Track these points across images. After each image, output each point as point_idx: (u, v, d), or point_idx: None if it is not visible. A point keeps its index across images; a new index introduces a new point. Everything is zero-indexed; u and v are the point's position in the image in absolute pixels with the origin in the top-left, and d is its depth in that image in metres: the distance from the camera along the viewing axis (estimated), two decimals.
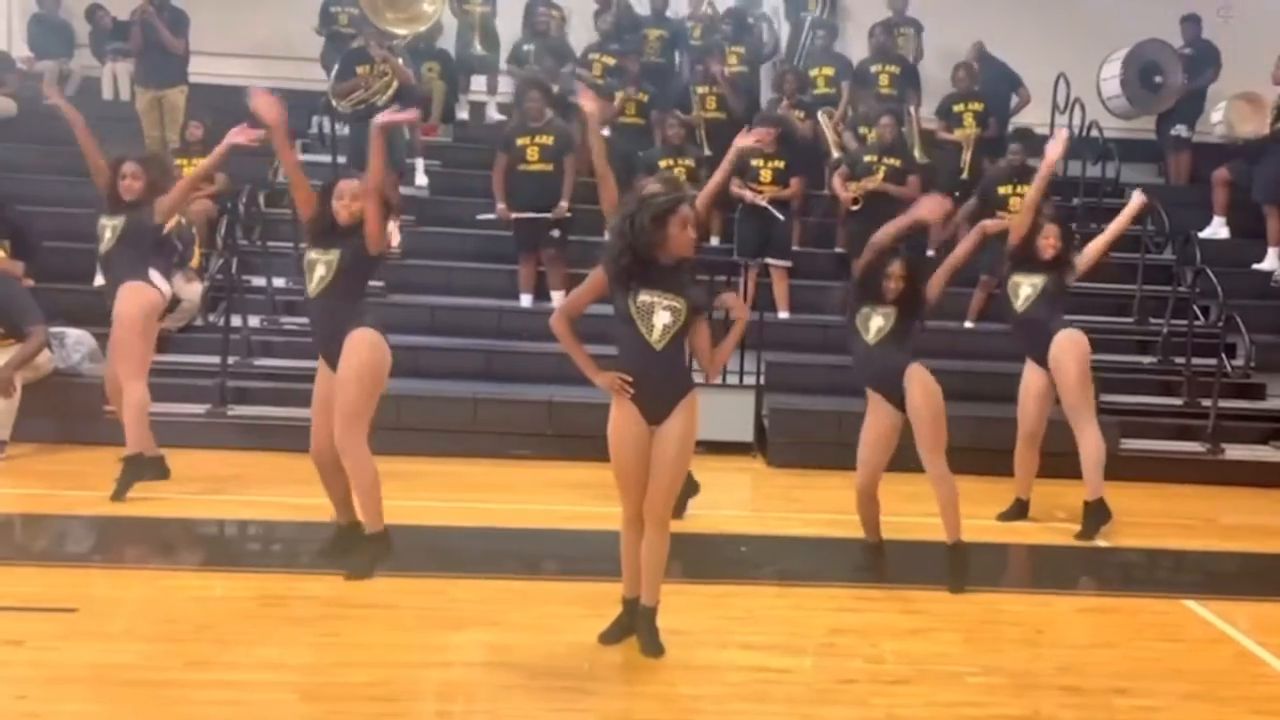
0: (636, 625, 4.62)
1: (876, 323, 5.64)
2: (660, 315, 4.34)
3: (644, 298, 4.33)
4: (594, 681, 4.35)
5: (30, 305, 7.85)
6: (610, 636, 4.65)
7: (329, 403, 5.31)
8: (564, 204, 9.44)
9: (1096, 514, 6.80)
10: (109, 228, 6.73)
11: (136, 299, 6.69)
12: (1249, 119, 11.13)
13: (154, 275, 7.08)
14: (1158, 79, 11.57)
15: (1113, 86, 11.78)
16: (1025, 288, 6.73)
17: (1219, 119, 11.58)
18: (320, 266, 5.30)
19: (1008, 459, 7.09)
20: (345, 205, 5.30)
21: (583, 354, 4.55)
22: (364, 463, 5.29)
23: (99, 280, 7.08)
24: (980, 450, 7.23)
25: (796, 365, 9.12)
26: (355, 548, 5.50)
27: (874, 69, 11.43)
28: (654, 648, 4.55)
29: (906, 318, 5.64)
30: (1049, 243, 6.61)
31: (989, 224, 7.35)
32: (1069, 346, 6.68)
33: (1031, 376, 6.87)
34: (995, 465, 7.18)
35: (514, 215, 9.50)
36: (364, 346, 5.26)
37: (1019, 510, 7.11)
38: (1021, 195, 9.57)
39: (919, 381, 5.59)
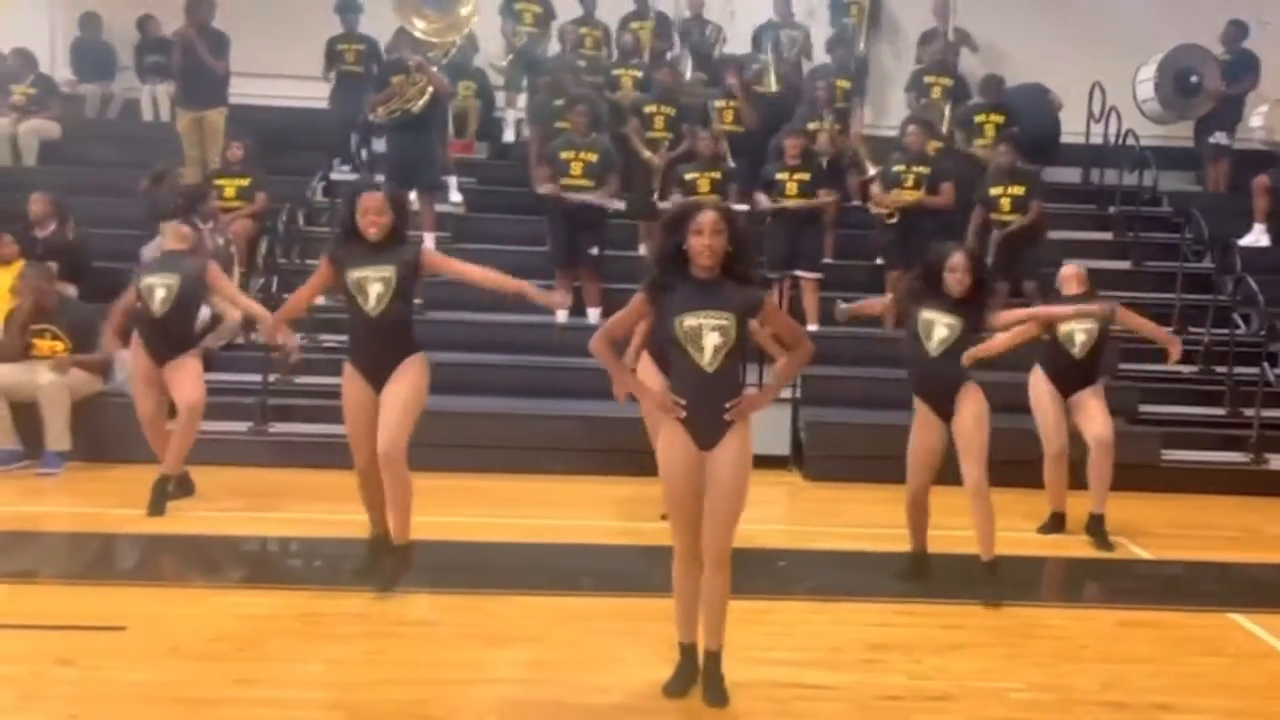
0: (703, 672, 4.37)
1: (940, 333, 5.57)
2: (710, 337, 4.12)
3: (690, 322, 4.12)
4: (635, 698, 4.35)
5: (95, 330, 8.09)
6: (675, 688, 4.37)
7: (372, 416, 5.33)
8: (616, 202, 9.57)
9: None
10: (161, 287, 6.75)
11: (198, 383, 6.91)
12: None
13: (204, 313, 7.25)
14: (1194, 81, 11.49)
15: (1146, 89, 11.72)
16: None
17: (1259, 124, 11.49)
18: (377, 284, 5.26)
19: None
20: (371, 221, 5.27)
21: (625, 373, 4.53)
22: (407, 478, 5.38)
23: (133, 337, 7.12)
24: (1018, 463, 7.17)
25: (833, 378, 9.10)
26: (384, 559, 5.56)
27: (927, 79, 11.45)
28: (718, 697, 4.29)
29: (970, 328, 5.59)
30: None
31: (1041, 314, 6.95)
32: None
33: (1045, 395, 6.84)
34: (1033, 478, 7.11)
35: (565, 194, 9.53)
36: (419, 367, 5.37)
37: (1056, 524, 7.07)
38: (1012, 196, 9.58)
39: (974, 400, 5.59)
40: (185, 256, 6.82)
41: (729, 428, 4.19)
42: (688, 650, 4.41)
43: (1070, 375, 6.82)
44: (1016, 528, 6.84)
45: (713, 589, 4.27)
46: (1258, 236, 11.08)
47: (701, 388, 4.17)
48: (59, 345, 8.14)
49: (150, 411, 6.95)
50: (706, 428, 4.18)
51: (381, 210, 5.28)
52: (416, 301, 5.98)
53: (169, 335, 6.80)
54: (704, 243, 4.09)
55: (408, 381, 5.32)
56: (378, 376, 5.33)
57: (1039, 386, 6.89)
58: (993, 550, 5.69)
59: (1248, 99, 11.88)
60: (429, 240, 9.55)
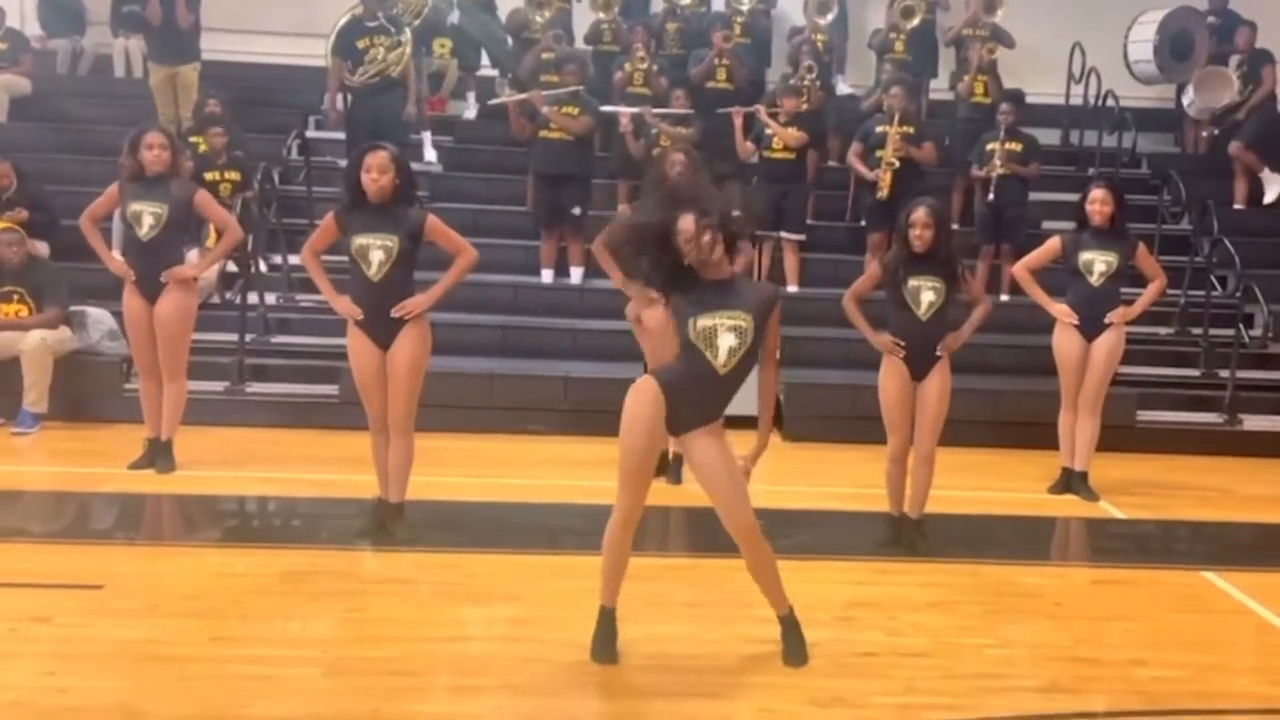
0: (783, 635, 4.35)
1: (928, 297, 5.62)
2: (725, 338, 4.01)
3: (704, 322, 3.99)
4: None
5: (60, 288, 8.04)
6: (606, 652, 4.30)
7: (378, 371, 5.47)
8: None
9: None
10: (148, 214, 6.56)
11: (181, 305, 6.68)
12: (1221, 87, 11.14)
13: (191, 256, 7.10)
14: (1192, 44, 11.48)
15: (1143, 51, 11.65)
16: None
17: (1191, 100, 11.53)
18: (379, 252, 5.35)
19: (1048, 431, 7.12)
20: (374, 180, 5.30)
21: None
22: (412, 446, 5.62)
23: (116, 252, 7.01)
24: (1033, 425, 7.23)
25: (812, 339, 9.11)
26: (388, 520, 5.68)
27: (891, 35, 11.38)
28: (798, 656, 4.30)
29: (952, 289, 5.65)
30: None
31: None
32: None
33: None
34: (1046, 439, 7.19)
35: (544, 95, 9.59)
36: (421, 331, 5.52)
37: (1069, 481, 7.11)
38: (1010, 151, 9.58)
39: (944, 373, 5.68)
40: (171, 181, 6.68)
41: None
42: (610, 614, 4.34)
43: (1091, 304, 6.80)
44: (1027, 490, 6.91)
45: (757, 563, 4.25)
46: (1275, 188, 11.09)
47: (711, 390, 4.08)
48: (24, 309, 8.05)
49: (149, 361, 6.75)
50: (687, 423, 4.12)
51: (385, 168, 5.31)
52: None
53: (160, 260, 6.63)
54: (693, 251, 3.92)
55: (411, 348, 5.47)
56: (381, 335, 5.44)
57: (1060, 337, 6.88)
58: (922, 510, 5.82)
59: (1230, 61, 11.88)
60: None
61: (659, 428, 4.10)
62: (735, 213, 4.03)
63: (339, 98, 9.93)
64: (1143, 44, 11.66)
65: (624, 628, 4.42)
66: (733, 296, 4.05)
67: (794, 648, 4.33)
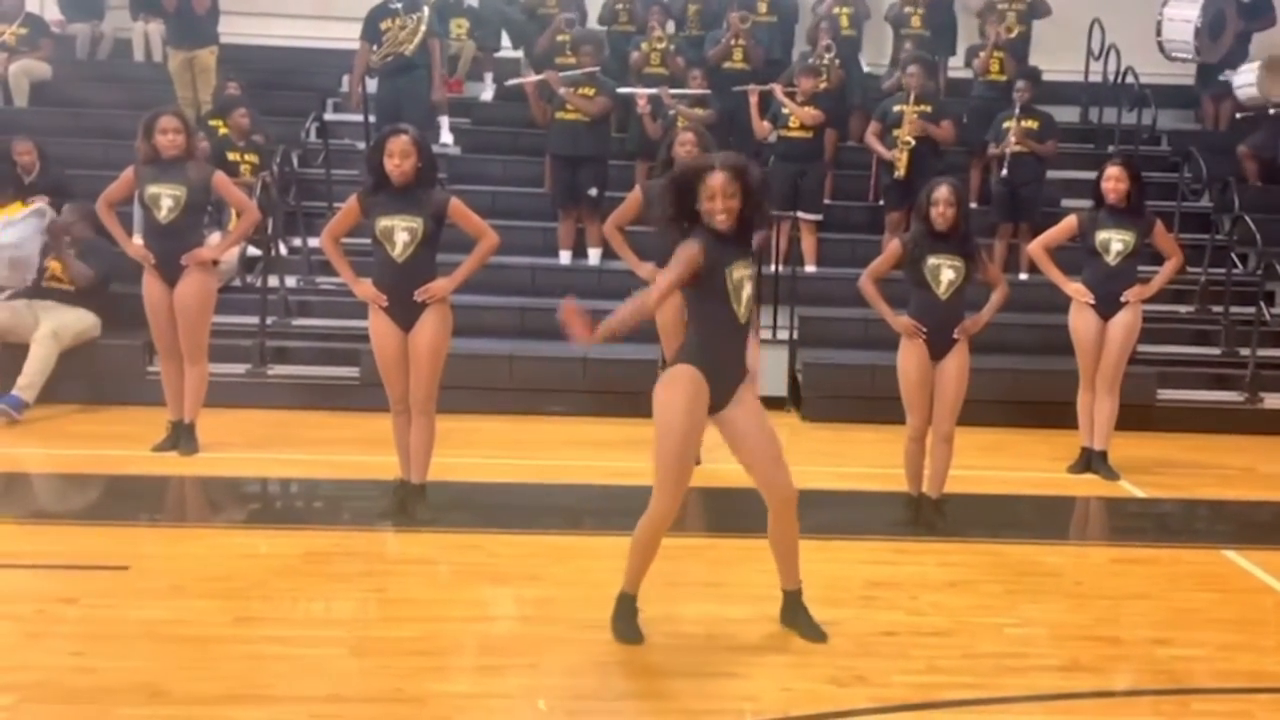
0: (792, 612, 4.42)
1: (948, 276, 5.61)
2: (747, 288, 4.08)
3: (737, 274, 4.03)
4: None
5: (103, 262, 8.10)
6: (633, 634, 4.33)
7: (400, 352, 5.52)
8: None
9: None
10: (167, 196, 6.55)
11: (201, 287, 6.69)
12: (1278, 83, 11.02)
13: (213, 238, 7.10)
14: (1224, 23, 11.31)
15: (1180, 30, 11.47)
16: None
17: (1244, 81, 11.37)
18: (404, 233, 5.38)
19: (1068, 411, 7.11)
20: (397, 165, 5.31)
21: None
22: (434, 427, 5.68)
23: (138, 239, 7.02)
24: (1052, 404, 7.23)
25: (830, 320, 9.10)
26: (409, 501, 5.72)
27: (906, 9, 11.29)
28: (814, 633, 4.36)
29: (971, 268, 5.65)
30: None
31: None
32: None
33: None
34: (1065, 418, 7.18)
35: (561, 75, 9.60)
36: (443, 314, 5.55)
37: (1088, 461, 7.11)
38: (1026, 128, 9.53)
39: (963, 353, 5.68)
40: (188, 164, 6.69)
41: (738, 387, 4.16)
42: (631, 600, 4.35)
43: (1108, 283, 6.76)
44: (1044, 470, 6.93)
45: (785, 532, 4.34)
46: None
47: (733, 343, 4.13)
48: (64, 281, 8.13)
49: (169, 344, 6.76)
50: (723, 389, 4.13)
51: (407, 153, 5.32)
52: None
53: (180, 244, 6.63)
54: (719, 208, 3.97)
55: (433, 332, 5.50)
56: (404, 316, 5.48)
57: (1077, 317, 6.85)
58: (941, 490, 5.84)
59: (1254, 39, 11.74)
60: None
61: (702, 410, 4.09)
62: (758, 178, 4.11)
63: (362, 81, 9.98)
64: (1182, 24, 11.47)
65: (645, 608, 4.44)
66: (745, 247, 4.12)
67: (805, 625, 4.38)
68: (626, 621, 4.33)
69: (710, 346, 4.09)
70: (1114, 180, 6.65)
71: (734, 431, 4.20)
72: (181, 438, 6.80)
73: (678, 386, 4.07)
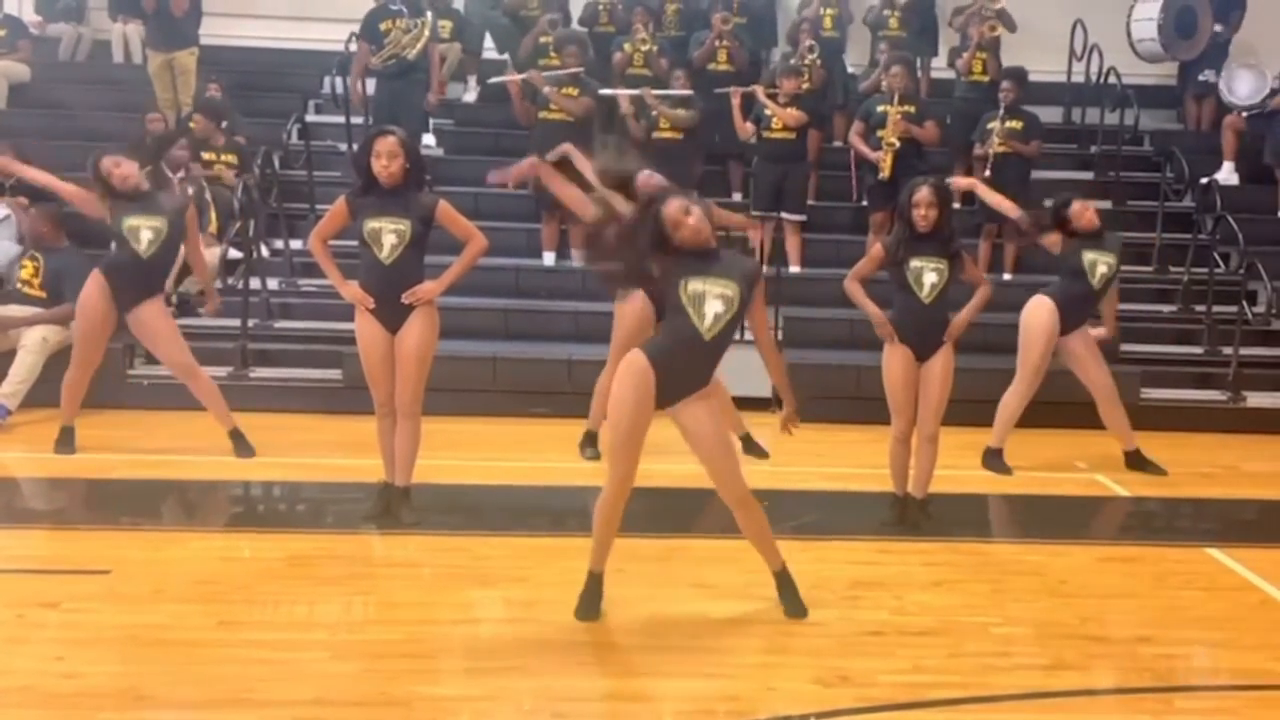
0: (779, 591, 4.58)
1: (930, 279, 5.61)
2: (712, 304, 4.17)
3: (695, 286, 4.17)
4: (620, 635, 4.40)
5: (78, 284, 7.89)
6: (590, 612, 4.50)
7: (386, 355, 5.49)
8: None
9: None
10: (148, 229, 6.51)
11: (164, 312, 6.76)
12: (1248, 80, 11.08)
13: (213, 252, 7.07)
14: (1195, 22, 11.38)
15: (1147, 29, 11.55)
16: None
17: (1217, 80, 11.44)
18: (391, 235, 5.35)
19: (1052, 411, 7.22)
20: (384, 166, 5.28)
21: None
22: (419, 430, 5.64)
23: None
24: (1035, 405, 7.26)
25: (814, 320, 9.11)
26: (394, 504, 5.69)
27: (885, 11, 11.32)
28: (797, 608, 4.54)
29: (954, 269, 5.65)
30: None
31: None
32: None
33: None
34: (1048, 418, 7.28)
35: (544, 75, 9.65)
36: (429, 316, 5.51)
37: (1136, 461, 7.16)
38: (1010, 129, 9.55)
39: (949, 354, 5.69)
40: (163, 196, 6.65)
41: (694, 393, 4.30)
42: (598, 577, 4.52)
43: (1082, 308, 6.86)
44: (1018, 468, 6.95)
45: (750, 525, 4.49)
46: (1228, 175, 11.00)
47: (696, 355, 4.26)
48: (37, 283, 8.06)
49: (95, 363, 6.78)
50: (675, 392, 4.28)
51: (394, 154, 5.29)
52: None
53: (152, 277, 6.64)
54: (687, 231, 4.14)
55: (419, 334, 5.47)
56: (390, 318, 5.45)
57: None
58: (926, 490, 5.86)
59: (1233, 41, 11.81)
60: None
61: (647, 400, 4.22)
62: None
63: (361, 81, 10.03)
64: (1146, 22, 11.57)
65: (623, 609, 4.47)
66: (719, 265, 4.21)
67: (791, 601, 4.53)
68: (589, 601, 4.47)
69: (668, 352, 4.25)
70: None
71: (687, 432, 4.35)
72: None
73: (626, 380, 4.22)
